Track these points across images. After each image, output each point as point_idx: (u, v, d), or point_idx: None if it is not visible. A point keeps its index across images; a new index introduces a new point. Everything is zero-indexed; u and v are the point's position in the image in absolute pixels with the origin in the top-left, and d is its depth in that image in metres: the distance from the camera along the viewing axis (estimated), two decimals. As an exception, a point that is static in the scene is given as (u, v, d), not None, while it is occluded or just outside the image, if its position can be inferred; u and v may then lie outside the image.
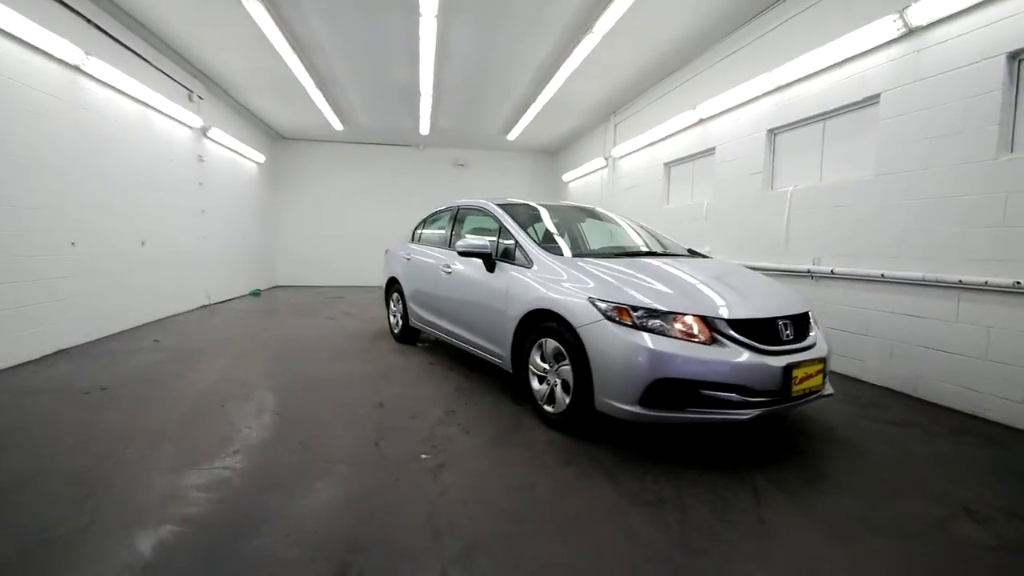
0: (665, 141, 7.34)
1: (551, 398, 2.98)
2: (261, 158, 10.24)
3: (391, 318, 5.66)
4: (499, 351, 3.49)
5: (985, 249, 3.27)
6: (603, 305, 2.63)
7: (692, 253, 3.88)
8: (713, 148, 6.21)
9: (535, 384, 3.12)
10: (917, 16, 3.59)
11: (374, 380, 3.93)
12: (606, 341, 2.56)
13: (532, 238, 3.53)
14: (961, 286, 3.38)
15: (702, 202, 6.40)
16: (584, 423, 2.79)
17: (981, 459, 2.71)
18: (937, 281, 3.53)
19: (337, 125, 9.88)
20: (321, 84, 7.55)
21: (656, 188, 7.63)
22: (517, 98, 8.38)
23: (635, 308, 2.55)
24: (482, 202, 4.28)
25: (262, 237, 10.90)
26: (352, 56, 6.62)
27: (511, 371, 3.38)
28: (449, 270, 4.21)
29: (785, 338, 2.63)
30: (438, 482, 2.29)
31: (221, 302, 8.42)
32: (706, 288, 2.79)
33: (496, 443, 2.76)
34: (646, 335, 2.47)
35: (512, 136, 10.70)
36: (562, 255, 3.28)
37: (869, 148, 4.14)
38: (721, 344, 2.48)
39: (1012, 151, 3.19)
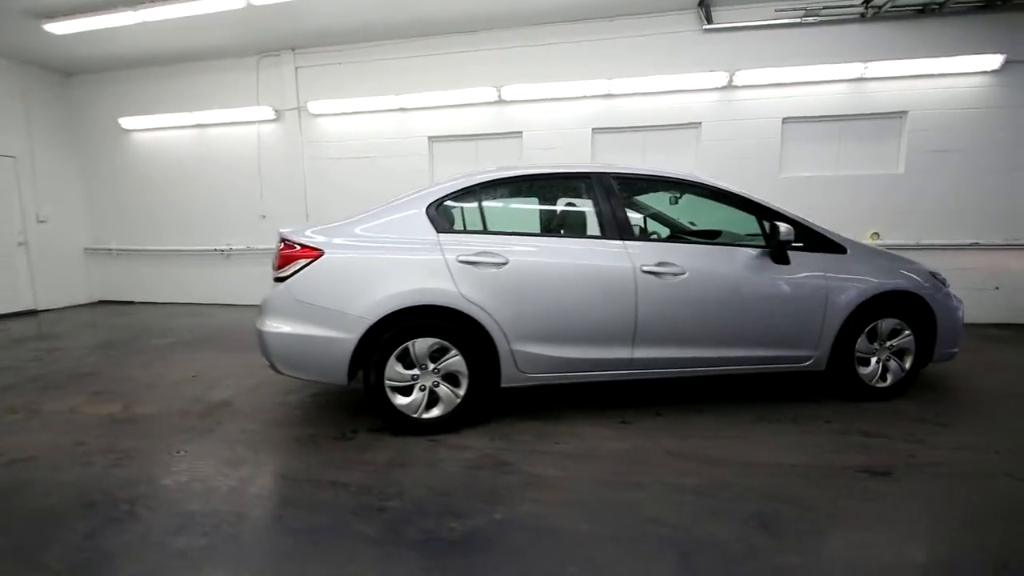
0: (430, 111, 6.48)
1: (883, 374, 3.16)
2: None
3: (396, 396, 2.63)
4: (797, 353, 3.04)
5: (777, 226, 5.88)
6: (940, 276, 3.20)
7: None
8: (520, 132, 6.32)
9: (864, 369, 3.12)
10: (738, 79, 5.66)
11: None
12: (948, 305, 3.18)
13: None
14: (768, 248, 5.89)
15: (506, 185, 6.38)
16: (910, 385, 3.23)
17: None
18: (752, 246, 5.92)
19: None
20: None
21: (415, 163, 6.63)
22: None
23: (937, 273, 3.31)
24: (675, 172, 3.47)
25: None
26: None
27: (824, 368, 3.08)
28: (678, 272, 2.84)
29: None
30: None
31: None
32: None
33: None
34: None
35: (60, 30, 5.57)
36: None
37: (690, 158, 5.99)
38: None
39: (783, 173, 5.87)
